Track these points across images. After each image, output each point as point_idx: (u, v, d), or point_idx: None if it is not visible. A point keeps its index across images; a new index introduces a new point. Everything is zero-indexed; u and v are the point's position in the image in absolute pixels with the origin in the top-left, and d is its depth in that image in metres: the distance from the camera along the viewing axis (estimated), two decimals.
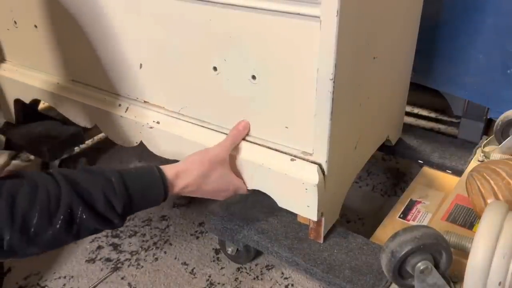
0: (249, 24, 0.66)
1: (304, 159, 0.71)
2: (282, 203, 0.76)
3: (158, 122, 0.87)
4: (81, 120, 1.02)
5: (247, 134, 0.77)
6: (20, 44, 1.08)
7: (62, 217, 0.55)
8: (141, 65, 0.85)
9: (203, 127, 0.83)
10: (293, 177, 0.71)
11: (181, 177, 0.68)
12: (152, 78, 0.86)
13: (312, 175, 0.69)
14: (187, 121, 0.84)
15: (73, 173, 0.60)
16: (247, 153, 0.76)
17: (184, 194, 0.71)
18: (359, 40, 0.66)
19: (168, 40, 0.78)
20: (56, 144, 1.14)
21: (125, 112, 0.91)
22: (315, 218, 0.72)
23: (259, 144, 0.76)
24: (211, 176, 0.72)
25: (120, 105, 0.92)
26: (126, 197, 0.61)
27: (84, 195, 0.58)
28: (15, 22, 1.04)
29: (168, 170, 0.67)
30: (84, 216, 0.57)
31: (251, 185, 0.77)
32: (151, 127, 0.87)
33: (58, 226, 0.55)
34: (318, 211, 0.71)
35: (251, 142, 0.77)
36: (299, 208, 0.74)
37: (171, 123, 0.86)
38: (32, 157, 1.26)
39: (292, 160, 0.72)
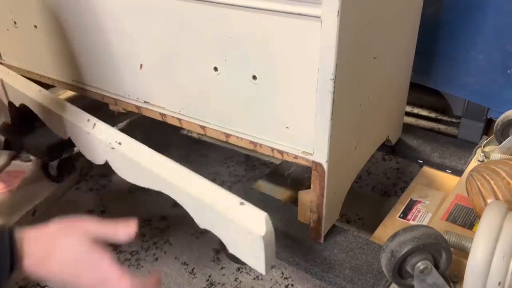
0: (250, 24, 0.66)
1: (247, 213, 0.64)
2: (231, 249, 0.68)
3: (120, 143, 0.81)
4: (58, 130, 0.98)
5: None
6: (20, 45, 1.08)
7: None
8: (141, 65, 0.85)
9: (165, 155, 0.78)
10: (240, 224, 0.63)
11: (36, 238, 0.54)
12: (153, 79, 0.86)
13: (258, 225, 0.61)
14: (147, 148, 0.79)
15: None
16: (199, 190, 0.69)
17: (37, 264, 0.53)
18: (360, 40, 0.66)
19: (169, 40, 0.78)
20: (55, 144, 1.14)
21: (92, 128, 0.87)
22: (263, 272, 0.64)
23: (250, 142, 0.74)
24: (68, 238, 0.55)
25: (88, 120, 0.88)
26: None
27: None
28: (15, 23, 1.04)
29: (23, 232, 0.53)
30: None
31: (202, 225, 0.71)
32: (112, 148, 0.81)
33: None
34: (266, 264, 0.63)
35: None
36: (247, 258, 0.66)
37: (133, 146, 0.80)
38: (32, 157, 1.26)
39: (241, 204, 0.64)
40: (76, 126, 0.90)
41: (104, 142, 0.83)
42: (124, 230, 0.61)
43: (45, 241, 0.54)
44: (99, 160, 0.88)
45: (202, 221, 0.71)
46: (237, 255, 0.68)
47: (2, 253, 0.50)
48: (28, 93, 1.03)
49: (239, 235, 0.64)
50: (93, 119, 0.88)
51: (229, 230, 0.66)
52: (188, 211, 0.72)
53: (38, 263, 0.53)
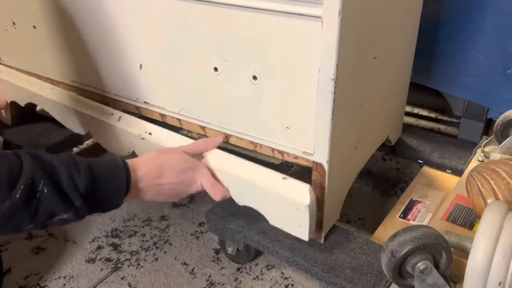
0: (250, 24, 0.66)
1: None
2: (273, 221, 0.75)
3: (150, 133, 0.86)
4: (74, 126, 1.01)
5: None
6: (19, 45, 1.08)
7: (22, 187, 0.52)
8: (141, 65, 0.85)
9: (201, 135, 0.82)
10: (285, 195, 0.70)
11: (142, 165, 0.65)
12: (152, 79, 0.86)
13: (303, 195, 0.68)
14: (181, 134, 0.84)
15: (36, 151, 0.58)
16: (239, 170, 0.74)
17: (150, 187, 0.66)
18: (360, 40, 0.66)
19: (169, 40, 0.78)
20: (55, 144, 1.14)
21: (118, 121, 0.90)
22: (306, 238, 0.71)
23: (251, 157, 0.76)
24: (172, 159, 0.68)
25: (112, 114, 0.91)
26: (89, 177, 0.58)
27: (47, 168, 0.55)
28: (14, 23, 1.04)
29: (131, 160, 0.66)
30: (46, 191, 0.54)
31: (242, 202, 0.75)
32: (142, 138, 0.86)
33: (17, 196, 0.51)
34: (309, 231, 0.71)
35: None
36: (291, 227, 0.73)
37: (164, 135, 0.84)
38: None
39: (284, 178, 0.71)
40: (98, 120, 0.92)
41: (132, 134, 0.87)
42: (212, 142, 0.76)
43: (153, 163, 0.66)
44: (123, 151, 0.92)
45: (242, 198, 0.75)
46: (279, 226, 0.74)
47: (120, 176, 0.62)
48: (40, 91, 1.04)
49: (283, 206, 0.71)
50: (117, 112, 0.91)
51: (273, 203, 0.72)
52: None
53: (151, 184, 0.65)
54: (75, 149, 1.31)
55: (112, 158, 0.64)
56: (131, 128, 0.88)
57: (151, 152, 0.70)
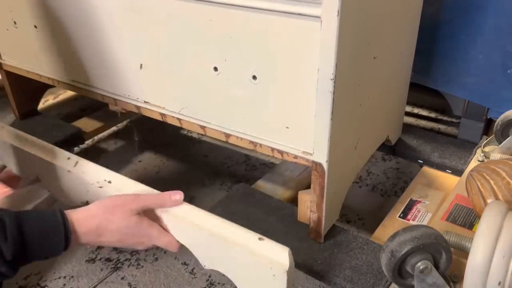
0: (250, 24, 0.66)
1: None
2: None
3: (110, 182, 0.76)
4: (24, 170, 0.92)
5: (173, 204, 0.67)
6: (20, 45, 1.08)
7: None
8: (141, 65, 0.85)
9: None
10: (260, 259, 0.61)
11: (82, 223, 0.61)
12: (153, 79, 0.86)
13: (281, 259, 0.61)
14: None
15: None
16: (208, 224, 0.66)
17: (90, 243, 0.63)
18: (360, 40, 0.66)
19: (169, 40, 0.78)
20: (56, 143, 1.14)
21: (74, 166, 0.80)
22: None
23: None
24: (114, 222, 0.63)
25: (69, 158, 0.82)
26: (18, 243, 0.55)
27: None
28: (15, 23, 1.04)
29: (72, 214, 0.61)
30: None
31: (208, 265, 0.67)
32: (100, 187, 0.76)
33: None
34: None
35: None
36: None
37: (125, 184, 0.75)
38: None
39: (260, 239, 0.63)
40: (51, 164, 0.82)
41: (88, 182, 0.77)
42: (170, 198, 0.67)
43: (94, 223, 0.62)
44: (76, 201, 0.82)
45: (209, 261, 0.67)
46: None
47: (57, 235, 0.58)
48: None
49: (257, 271, 0.62)
50: (74, 157, 0.82)
51: (245, 267, 0.63)
52: (191, 250, 0.67)
53: (91, 241, 0.62)
54: (75, 149, 1.30)
55: (51, 213, 0.60)
56: (88, 175, 0.78)
57: (98, 205, 0.64)
